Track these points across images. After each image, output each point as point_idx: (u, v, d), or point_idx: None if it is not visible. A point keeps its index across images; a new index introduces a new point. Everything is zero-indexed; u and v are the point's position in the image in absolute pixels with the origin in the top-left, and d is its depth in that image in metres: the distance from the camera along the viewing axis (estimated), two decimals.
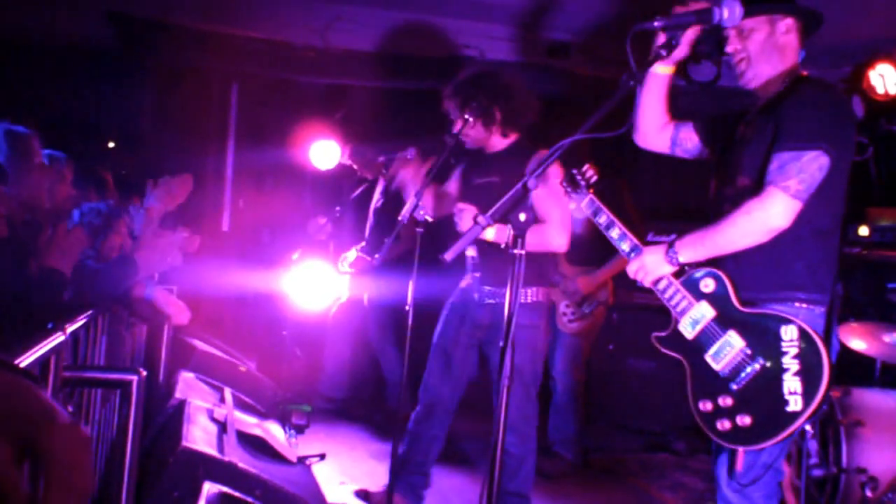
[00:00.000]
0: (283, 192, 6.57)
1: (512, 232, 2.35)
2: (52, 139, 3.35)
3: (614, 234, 2.82)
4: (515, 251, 2.37)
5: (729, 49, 2.75)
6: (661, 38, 2.63)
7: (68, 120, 5.77)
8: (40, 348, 1.84)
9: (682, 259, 2.60)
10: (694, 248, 2.59)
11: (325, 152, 6.29)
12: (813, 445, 4.11)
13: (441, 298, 4.76)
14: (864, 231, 5.34)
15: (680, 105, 3.06)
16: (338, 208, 6.04)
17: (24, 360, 1.71)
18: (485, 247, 3.66)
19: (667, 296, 2.66)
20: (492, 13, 5.11)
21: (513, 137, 3.77)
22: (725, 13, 2.42)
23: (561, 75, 5.58)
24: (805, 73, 2.70)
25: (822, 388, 2.37)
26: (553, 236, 3.54)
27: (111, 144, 7.15)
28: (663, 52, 2.59)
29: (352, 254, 5.63)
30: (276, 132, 6.49)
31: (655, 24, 2.51)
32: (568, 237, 3.60)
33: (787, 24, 2.69)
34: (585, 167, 3.03)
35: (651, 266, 2.65)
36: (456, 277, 4.70)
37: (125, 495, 2.33)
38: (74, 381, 2.21)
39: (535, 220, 2.49)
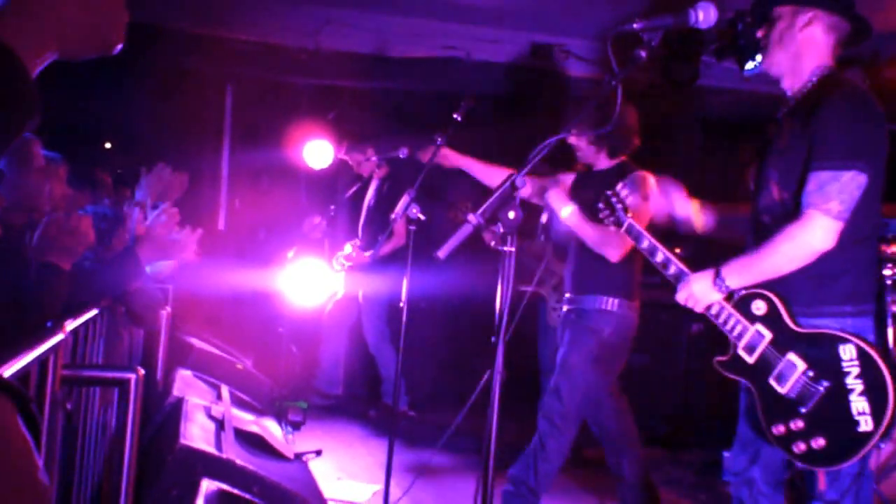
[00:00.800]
0: (278, 192, 6.63)
1: (501, 230, 2.41)
2: (49, 141, 3.39)
3: (658, 258, 2.82)
4: (504, 248, 2.42)
5: (759, 34, 2.75)
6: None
7: (65, 122, 5.82)
8: (39, 347, 1.87)
9: (730, 285, 2.60)
10: (740, 274, 2.59)
11: (318, 152, 6.35)
12: None
13: (434, 295, 4.84)
14: None
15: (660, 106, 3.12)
16: (332, 207, 6.10)
17: (24, 359, 1.75)
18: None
19: (721, 320, 2.65)
20: (477, 15, 5.18)
21: (621, 159, 3.82)
22: (700, 15, 2.47)
23: (544, 76, 5.64)
24: (835, 72, 2.63)
25: (890, 405, 2.34)
26: (614, 243, 3.54)
27: (108, 145, 7.21)
28: (642, 54, 2.64)
29: (347, 248, 5.69)
30: (271, 133, 6.55)
31: (635, 26, 2.57)
32: (623, 251, 3.57)
33: (808, 17, 2.64)
34: (619, 187, 3.05)
35: (700, 294, 2.65)
36: (450, 275, 4.79)
37: (124, 494, 2.36)
38: (73, 380, 2.23)
39: (524, 217, 2.50)
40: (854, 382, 2.38)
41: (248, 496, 2.81)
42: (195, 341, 4.65)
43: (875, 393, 2.35)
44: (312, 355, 6.21)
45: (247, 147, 6.64)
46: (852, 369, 2.38)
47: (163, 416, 3.51)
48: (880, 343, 2.53)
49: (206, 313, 5.37)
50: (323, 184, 6.74)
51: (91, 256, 3.22)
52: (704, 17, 2.50)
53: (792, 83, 2.70)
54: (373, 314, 5.89)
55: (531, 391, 5.22)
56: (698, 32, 2.71)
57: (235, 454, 3.33)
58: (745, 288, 2.59)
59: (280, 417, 4.85)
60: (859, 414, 2.36)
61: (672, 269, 2.77)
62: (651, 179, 3.55)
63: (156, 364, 3.93)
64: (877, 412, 2.34)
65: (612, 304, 3.68)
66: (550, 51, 5.36)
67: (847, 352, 2.40)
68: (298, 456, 4.23)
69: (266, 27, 5.52)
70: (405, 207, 3.76)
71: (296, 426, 5.05)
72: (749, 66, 4.76)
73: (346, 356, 6.14)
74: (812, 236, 2.45)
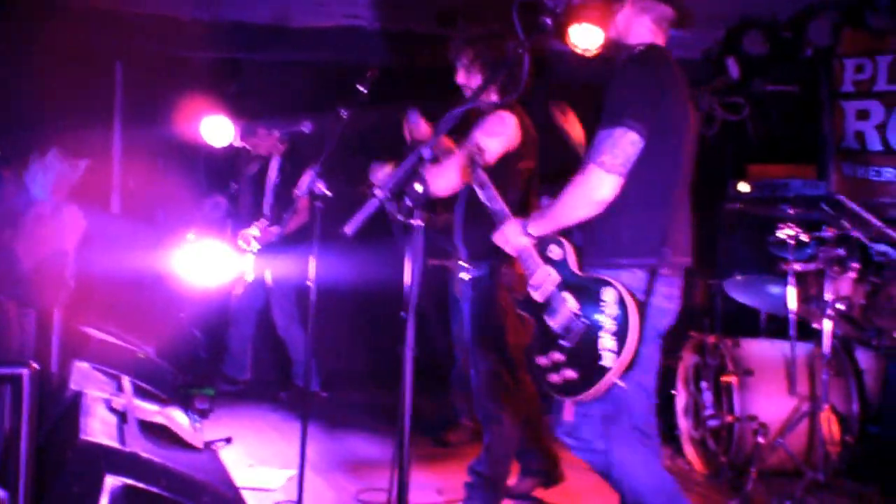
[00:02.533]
0: (175, 171, 6.38)
1: (408, 202, 2.37)
2: None
3: (486, 195, 3.00)
4: (413, 222, 2.39)
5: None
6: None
7: None
8: None
9: (533, 232, 2.81)
10: (540, 223, 2.80)
11: (217, 129, 6.13)
12: (708, 398, 4.29)
13: (344, 273, 4.74)
14: (744, 187, 5.55)
15: (559, 72, 3.14)
16: (234, 186, 5.92)
17: None
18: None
19: (522, 261, 2.87)
20: None
21: None
22: None
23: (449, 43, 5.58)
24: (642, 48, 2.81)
25: (630, 347, 2.55)
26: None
27: None
28: (548, 22, 2.64)
29: (254, 230, 5.52)
30: (166, 110, 6.29)
31: None
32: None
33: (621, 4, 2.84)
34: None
35: (511, 237, 2.87)
36: (359, 251, 4.69)
37: (23, 495, 2.25)
38: None
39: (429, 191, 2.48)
40: (608, 322, 2.60)
41: (155, 490, 2.73)
42: (91, 331, 4.47)
43: (622, 333, 2.57)
44: (218, 340, 6.05)
45: (140, 125, 6.37)
46: (609, 310, 2.61)
47: (60, 411, 3.39)
48: (649, 296, 2.68)
49: (101, 301, 5.15)
50: (223, 162, 6.53)
51: None
52: None
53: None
54: (282, 296, 5.77)
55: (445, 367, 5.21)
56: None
57: (140, 447, 3.24)
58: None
59: (186, 406, 4.72)
60: (605, 350, 2.58)
61: (497, 206, 2.96)
62: (507, 118, 3.52)
63: (50, 357, 3.74)
64: (619, 351, 2.56)
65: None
66: (457, 19, 5.30)
67: (608, 294, 2.62)
68: (207, 445, 4.12)
69: None
70: (310, 183, 3.65)
71: (203, 414, 4.92)
72: None
73: (253, 340, 6.01)
74: (589, 187, 2.64)
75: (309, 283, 3.64)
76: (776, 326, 4.69)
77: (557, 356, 2.70)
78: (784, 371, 4.19)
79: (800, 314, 4.20)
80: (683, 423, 4.60)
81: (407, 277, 2.42)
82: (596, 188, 2.63)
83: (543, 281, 2.79)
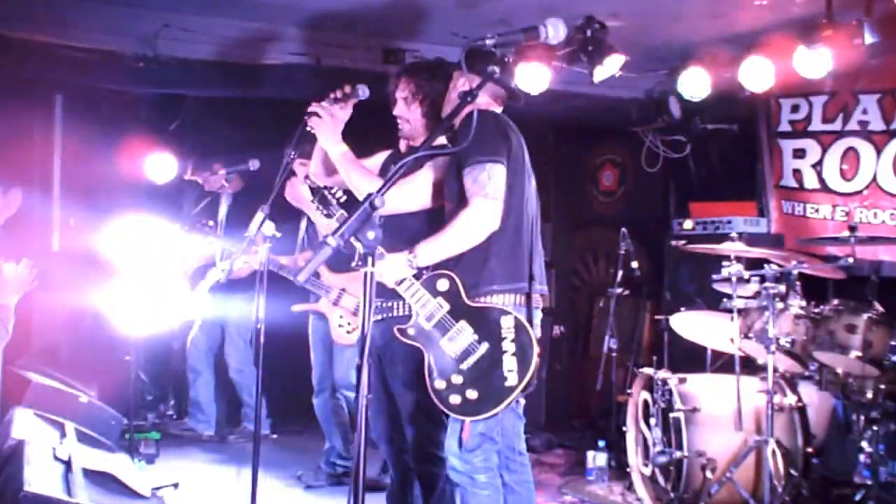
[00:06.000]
0: (117, 209, 6.27)
1: (362, 251, 2.38)
2: None
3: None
4: (366, 270, 2.39)
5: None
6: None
7: None
8: None
9: (419, 263, 2.98)
10: (428, 252, 2.98)
11: (160, 165, 6.07)
12: (657, 434, 4.34)
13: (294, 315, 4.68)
14: (688, 224, 5.68)
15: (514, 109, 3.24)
16: (180, 225, 5.84)
17: None
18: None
19: (409, 294, 3.00)
20: (325, 21, 5.09)
21: None
22: (550, 31, 2.64)
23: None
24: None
25: (531, 366, 2.85)
26: None
27: None
28: (496, 70, 2.70)
29: (215, 273, 5.43)
30: (107, 145, 6.19)
31: (487, 41, 2.62)
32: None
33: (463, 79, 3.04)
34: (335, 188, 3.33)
35: (395, 269, 2.98)
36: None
37: None
38: None
39: (382, 238, 2.51)
40: (509, 345, 2.88)
41: None
42: (32, 375, 4.36)
43: (523, 354, 2.87)
44: (164, 383, 5.94)
45: (81, 161, 6.25)
46: (509, 335, 2.89)
47: (2, 461, 3.28)
48: (527, 317, 3.02)
49: (41, 344, 5.03)
50: (167, 199, 6.45)
51: None
52: (554, 32, 2.66)
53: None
54: (238, 338, 5.70)
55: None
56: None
57: (86, 496, 3.17)
58: (431, 267, 3.00)
59: (132, 452, 4.62)
60: (508, 371, 2.87)
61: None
62: None
63: None
64: (521, 370, 2.86)
65: None
66: (402, 56, 5.33)
67: (507, 321, 2.90)
68: (154, 491, 4.03)
69: (98, 33, 5.20)
70: (259, 225, 3.62)
71: (149, 459, 4.82)
72: (598, 70, 4.91)
73: (203, 383, 5.91)
74: (478, 217, 2.93)
75: (259, 325, 3.59)
76: (722, 362, 4.78)
77: (458, 379, 2.90)
78: (730, 406, 4.25)
79: (744, 350, 4.28)
80: (634, 459, 4.64)
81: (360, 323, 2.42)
82: (488, 217, 2.94)
83: (434, 311, 2.96)
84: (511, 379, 2.86)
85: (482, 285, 2.99)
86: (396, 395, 3.45)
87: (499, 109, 3.21)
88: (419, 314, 2.99)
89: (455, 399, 2.91)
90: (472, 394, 2.88)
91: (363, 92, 3.43)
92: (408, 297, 3.01)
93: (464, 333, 2.93)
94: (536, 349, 2.89)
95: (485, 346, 2.90)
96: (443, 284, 2.99)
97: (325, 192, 3.25)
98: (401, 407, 3.44)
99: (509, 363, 2.87)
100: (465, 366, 2.91)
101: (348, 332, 4.60)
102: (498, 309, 2.94)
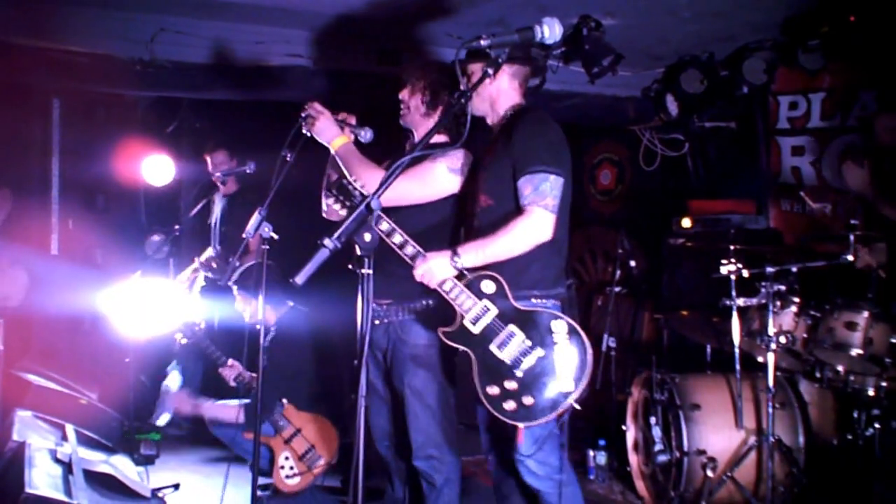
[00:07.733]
0: (115, 211, 6.28)
1: (358, 252, 2.40)
2: None
3: (396, 239, 3.04)
4: (362, 271, 2.41)
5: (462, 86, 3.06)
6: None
7: None
8: None
9: (464, 264, 2.94)
10: (475, 255, 2.94)
11: (158, 168, 6.07)
12: (657, 433, 4.34)
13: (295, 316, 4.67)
14: (686, 223, 5.67)
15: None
16: (176, 227, 5.84)
17: None
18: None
19: (452, 296, 2.95)
20: (320, 22, 5.09)
21: None
22: (546, 31, 2.68)
23: (392, 82, 5.60)
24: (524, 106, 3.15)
25: (587, 370, 2.85)
26: None
27: None
28: (490, 71, 2.71)
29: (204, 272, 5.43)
30: (105, 148, 6.20)
31: (482, 42, 2.63)
32: None
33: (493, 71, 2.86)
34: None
35: (437, 270, 2.94)
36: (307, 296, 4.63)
37: None
38: None
39: (379, 240, 2.52)
40: (562, 350, 2.86)
41: None
42: (32, 378, 4.37)
43: (576, 360, 2.86)
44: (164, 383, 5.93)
45: (79, 164, 6.26)
46: (561, 339, 2.87)
47: (3, 463, 3.31)
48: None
49: (41, 346, 5.03)
50: (164, 201, 6.45)
51: None
52: (550, 32, 2.65)
53: (492, 119, 3.21)
54: (232, 337, 5.69)
55: None
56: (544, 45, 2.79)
57: (87, 498, 3.18)
58: (474, 269, 2.95)
59: (132, 453, 4.62)
60: (563, 376, 2.85)
61: (409, 250, 3.04)
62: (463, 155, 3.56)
63: None
64: (577, 375, 2.85)
65: None
66: (398, 57, 5.33)
67: (558, 326, 2.88)
68: (155, 492, 4.04)
69: (94, 38, 5.21)
70: (256, 226, 3.62)
71: (149, 460, 4.81)
72: (594, 70, 4.90)
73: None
74: (535, 227, 2.91)
75: (258, 326, 3.60)
76: (722, 360, 4.77)
77: (511, 385, 2.86)
78: (731, 405, 4.26)
79: (744, 348, 4.29)
80: (633, 459, 4.64)
81: (359, 325, 2.43)
82: (543, 228, 2.91)
83: (481, 314, 2.92)
84: (567, 384, 2.84)
85: (523, 289, 2.96)
86: (400, 396, 3.46)
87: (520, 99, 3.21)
88: (464, 317, 2.95)
89: (510, 405, 2.87)
90: (527, 400, 2.85)
91: (366, 134, 3.47)
92: (451, 299, 2.96)
93: (515, 338, 2.89)
94: (590, 352, 2.88)
95: (539, 351, 2.87)
96: (488, 286, 2.94)
97: (345, 183, 3.19)
98: (406, 407, 3.45)
99: (564, 368, 2.85)
100: (519, 372, 2.87)
101: (287, 478, 4.45)
102: (549, 313, 2.92)
